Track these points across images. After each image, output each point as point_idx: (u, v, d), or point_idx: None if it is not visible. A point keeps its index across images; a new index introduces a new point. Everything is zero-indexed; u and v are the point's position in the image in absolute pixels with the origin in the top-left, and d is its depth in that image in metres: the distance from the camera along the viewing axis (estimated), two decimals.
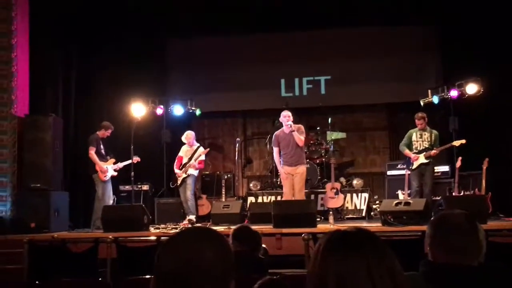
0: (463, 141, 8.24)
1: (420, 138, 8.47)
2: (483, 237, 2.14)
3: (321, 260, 1.30)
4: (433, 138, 8.41)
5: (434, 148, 8.31)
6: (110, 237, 6.60)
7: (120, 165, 8.97)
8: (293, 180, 8.12)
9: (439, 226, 2.11)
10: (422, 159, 8.30)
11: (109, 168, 8.75)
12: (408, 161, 8.52)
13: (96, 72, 10.18)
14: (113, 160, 8.92)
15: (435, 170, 9.42)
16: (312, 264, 1.32)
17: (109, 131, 8.93)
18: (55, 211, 7.97)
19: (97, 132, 8.83)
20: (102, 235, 7.03)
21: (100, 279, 5.65)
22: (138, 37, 10.47)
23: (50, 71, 9.26)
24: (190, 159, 9.13)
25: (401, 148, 8.66)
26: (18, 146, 8.28)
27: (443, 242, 2.06)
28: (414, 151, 8.43)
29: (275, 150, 8.32)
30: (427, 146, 8.37)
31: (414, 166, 8.37)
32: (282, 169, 8.22)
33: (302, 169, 8.19)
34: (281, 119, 8.24)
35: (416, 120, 8.48)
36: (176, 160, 9.30)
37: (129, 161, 9.02)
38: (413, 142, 8.50)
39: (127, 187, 9.44)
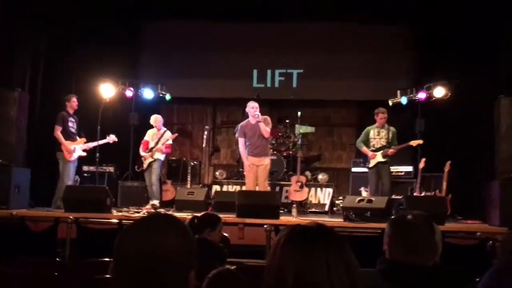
0: (421, 141, 8.33)
1: (377, 135, 8.43)
2: (439, 239, 2.20)
3: (281, 253, 1.32)
4: (390, 136, 8.36)
5: (392, 146, 8.28)
6: (71, 217, 6.53)
7: (91, 144, 8.72)
8: (257, 172, 8.16)
9: (398, 225, 2.16)
10: (379, 157, 8.29)
11: (77, 148, 8.50)
12: (365, 158, 8.54)
13: (66, 49, 9.96)
14: (83, 139, 8.71)
15: (399, 170, 9.60)
16: (271, 257, 1.34)
17: (73, 100, 8.60)
18: (16, 187, 7.81)
19: (65, 110, 8.62)
20: (63, 214, 6.94)
21: (58, 259, 5.57)
22: (112, 17, 10.29)
23: (18, 45, 9.03)
24: (157, 143, 9.06)
25: (358, 145, 8.64)
26: None
27: (400, 241, 2.11)
28: (372, 148, 8.40)
29: (241, 140, 8.33)
30: (384, 144, 8.34)
31: (371, 165, 8.36)
32: (247, 161, 8.23)
33: (266, 160, 8.23)
34: (248, 109, 8.24)
35: (380, 115, 8.36)
36: (141, 144, 9.21)
37: (105, 141, 8.83)
38: (370, 139, 8.46)
39: (92, 168, 9.31)
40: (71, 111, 8.65)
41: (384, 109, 8.51)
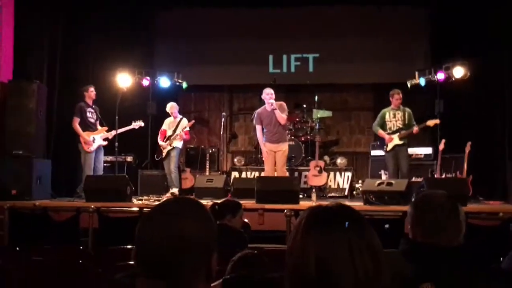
0: (437, 121, 8.17)
1: (393, 117, 8.29)
2: (463, 219, 2.17)
3: (302, 235, 1.30)
4: (406, 117, 8.22)
5: (415, 125, 8.13)
6: (92, 206, 6.60)
7: (113, 132, 8.71)
8: (275, 158, 8.15)
9: (421, 206, 2.14)
10: (396, 140, 8.16)
11: (96, 138, 8.55)
12: (382, 142, 8.45)
13: (82, 40, 10.02)
14: (105, 128, 8.75)
15: (418, 152, 9.50)
16: (293, 239, 1.33)
17: (90, 90, 8.62)
18: (37, 178, 7.92)
19: (83, 101, 8.67)
20: (84, 204, 7.02)
21: (81, 247, 5.65)
22: (127, 7, 10.30)
23: (35, 38, 9.10)
24: (174, 131, 9.09)
25: (375, 129, 8.51)
26: (0, 112, 8.15)
27: (424, 222, 2.09)
28: (388, 131, 8.27)
29: (258, 128, 8.32)
30: (400, 126, 8.20)
31: (389, 148, 8.23)
32: (264, 147, 8.23)
33: (284, 146, 8.22)
34: (264, 96, 8.22)
35: (396, 96, 8.21)
36: (159, 134, 9.25)
37: (130, 127, 8.91)
38: (387, 122, 8.32)
39: (111, 158, 9.37)
40: (89, 102, 8.68)
41: (398, 90, 8.38)
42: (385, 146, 8.33)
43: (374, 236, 1.31)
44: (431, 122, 8.16)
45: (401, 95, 8.26)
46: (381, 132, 8.34)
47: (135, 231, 1.47)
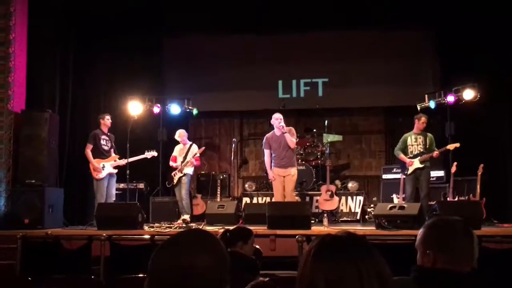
0: (457, 144, 8.21)
1: (415, 142, 8.40)
2: (476, 244, 2.15)
3: (311, 264, 1.31)
4: (428, 142, 8.32)
5: (436, 149, 8.23)
6: (104, 235, 6.59)
7: (123, 161, 8.81)
8: (284, 182, 8.15)
9: (437, 231, 2.12)
10: (417, 163, 8.25)
11: (106, 166, 8.64)
12: (403, 166, 8.48)
13: (93, 69, 10.17)
14: (116, 156, 8.85)
15: (431, 175, 9.44)
16: (302, 268, 1.33)
17: (107, 118, 8.81)
18: (50, 207, 7.95)
19: (99, 128, 8.80)
20: (96, 232, 7.02)
21: (93, 277, 5.63)
22: (137, 35, 10.45)
23: (47, 67, 9.24)
24: (184, 157, 9.13)
25: (396, 153, 8.61)
26: (14, 142, 8.25)
27: (436, 248, 2.07)
28: (409, 155, 8.37)
29: (266, 152, 8.36)
30: (422, 150, 8.29)
31: (409, 171, 8.30)
32: (271, 172, 8.25)
33: (293, 171, 8.22)
34: (273, 121, 8.28)
35: (422, 120, 8.29)
36: (170, 161, 9.30)
37: (143, 156, 8.98)
38: (408, 146, 8.43)
39: (122, 185, 9.41)
40: (105, 129, 8.81)
41: (425, 115, 8.43)
42: (406, 170, 8.33)
43: (383, 264, 1.31)
44: (451, 146, 8.22)
45: (426, 119, 8.32)
46: (402, 156, 8.40)
47: (148, 262, 1.48)
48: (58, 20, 9.37)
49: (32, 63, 8.77)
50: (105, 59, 10.19)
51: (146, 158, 9.07)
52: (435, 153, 8.18)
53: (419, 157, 8.25)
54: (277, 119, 8.19)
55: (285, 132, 8.07)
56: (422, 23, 10.40)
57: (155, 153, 9.11)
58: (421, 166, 8.23)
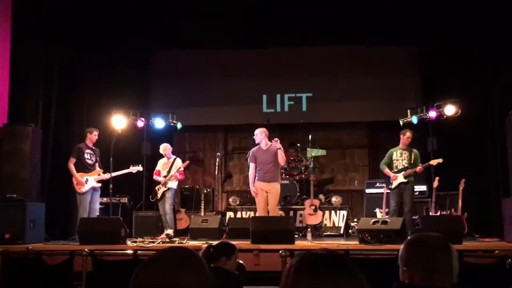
0: (440, 160, 8.32)
1: (400, 157, 8.51)
2: (456, 259, 2.18)
3: (292, 281, 1.32)
4: (413, 157, 8.43)
5: (419, 164, 8.33)
6: (86, 250, 6.53)
7: (106, 175, 8.73)
8: (267, 198, 8.16)
9: (413, 248, 2.14)
10: (401, 178, 8.33)
11: (89, 180, 8.57)
12: (387, 180, 8.56)
13: (77, 82, 10.12)
14: (100, 170, 8.80)
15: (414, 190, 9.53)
16: (283, 285, 1.34)
17: (95, 133, 8.77)
18: (31, 222, 7.86)
19: (84, 142, 8.75)
20: (78, 247, 6.95)
21: None
22: (121, 49, 10.44)
23: (30, 81, 9.18)
24: (168, 172, 9.11)
25: (382, 167, 8.69)
26: None
27: (416, 264, 2.09)
28: (394, 170, 8.46)
29: (252, 166, 8.40)
30: (406, 165, 8.40)
31: (393, 186, 8.39)
32: (253, 186, 8.30)
33: (276, 185, 8.25)
34: (255, 137, 8.32)
35: (407, 135, 8.44)
36: (154, 175, 9.27)
37: (128, 170, 8.91)
38: (393, 161, 8.53)
39: (106, 199, 9.34)
40: (89, 144, 8.76)
41: (410, 131, 8.56)
42: (390, 184, 8.41)
43: (363, 282, 1.32)
44: (434, 162, 8.33)
45: (411, 134, 8.43)
46: (387, 171, 8.51)
47: (130, 279, 1.48)
48: (43, 33, 9.33)
49: (15, 76, 8.70)
50: (90, 72, 10.15)
51: (130, 173, 9.01)
52: (418, 168, 8.28)
53: (403, 172, 8.33)
54: (256, 134, 8.36)
55: (280, 148, 8.14)
56: (405, 39, 10.53)
57: (140, 168, 9.07)
58: (405, 180, 8.32)
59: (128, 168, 8.96)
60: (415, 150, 8.54)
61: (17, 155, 8.12)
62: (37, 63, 9.28)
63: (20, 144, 8.17)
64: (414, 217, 8.33)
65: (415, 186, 8.87)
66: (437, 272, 2.07)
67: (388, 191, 8.51)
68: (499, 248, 6.41)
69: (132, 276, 1.48)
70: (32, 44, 9.08)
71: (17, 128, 8.28)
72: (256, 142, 8.37)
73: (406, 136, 8.48)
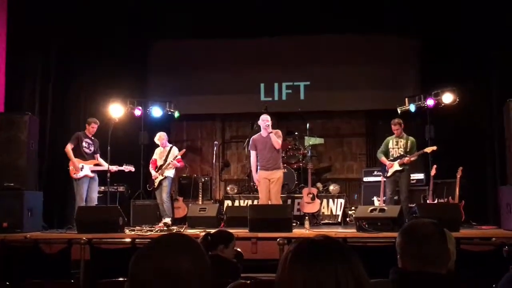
0: (434, 147, 8.32)
1: (396, 145, 8.51)
2: (453, 245, 2.19)
3: (289, 268, 1.32)
4: (409, 145, 8.41)
5: (408, 155, 8.33)
6: (84, 238, 6.53)
7: (101, 168, 8.72)
8: (269, 185, 8.14)
9: (408, 235, 2.15)
10: (396, 166, 8.34)
11: (85, 167, 8.57)
12: (383, 168, 8.57)
13: (75, 71, 10.06)
14: (95, 161, 8.77)
15: (411, 178, 9.53)
16: (280, 272, 1.34)
17: (93, 125, 8.75)
18: (29, 211, 7.84)
19: (83, 131, 8.76)
20: (76, 236, 6.95)
21: (72, 281, 5.58)
22: (119, 37, 10.39)
23: (27, 69, 9.13)
24: (165, 160, 9.11)
25: (378, 156, 8.71)
26: None
27: (412, 251, 2.10)
28: (390, 158, 8.47)
29: (252, 153, 8.34)
30: (402, 153, 8.39)
31: (389, 174, 8.40)
32: (257, 175, 8.23)
33: (279, 173, 8.20)
34: (260, 122, 8.26)
35: (392, 126, 8.51)
36: (150, 164, 9.27)
37: (120, 168, 8.87)
38: (390, 149, 8.53)
39: (103, 188, 9.33)
40: (88, 134, 8.76)
41: (398, 120, 8.54)
42: (386, 172, 8.42)
43: (361, 268, 1.32)
44: (428, 149, 8.32)
45: (398, 126, 8.44)
46: (383, 159, 8.53)
47: (129, 266, 1.47)
48: (40, 22, 9.26)
49: (12, 65, 8.66)
50: (87, 61, 10.09)
51: (130, 171, 9.02)
52: (406, 159, 8.24)
53: (398, 160, 8.33)
54: (264, 120, 8.19)
55: (271, 132, 8.08)
56: (403, 28, 10.51)
57: (132, 168, 9.03)
58: (400, 168, 8.32)
59: (121, 165, 8.92)
60: (411, 138, 8.52)
61: (14, 143, 8.08)
62: (34, 51, 9.22)
63: (17, 132, 8.13)
64: (411, 205, 8.35)
65: (412, 174, 8.88)
66: (430, 259, 2.07)
67: (385, 179, 8.53)
68: (496, 236, 6.44)
69: (130, 262, 1.47)
70: (28, 32, 9.01)
71: (14, 117, 8.24)
72: (267, 129, 8.18)
73: (393, 128, 8.49)
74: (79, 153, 8.57)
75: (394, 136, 8.56)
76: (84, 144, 8.66)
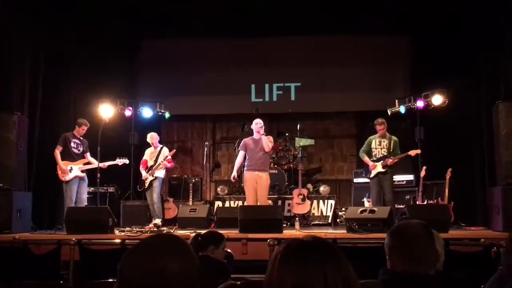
0: (418, 151, 8.35)
1: (379, 145, 8.44)
2: (441, 246, 2.20)
3: (278, 269, 1.32)
4: (392, 145, 8.35)
5: (391, 157, 8.26)
6: (73, 239, 6.51)
7: (91, 166, 8.73)
8: (257, 187, 8.18)
9: (397, 236, 2.16)
10: (379, 168, 8.28)
11: (74, 168, 8.54)
12: (366, 169, 8.53)
13: (64, 71, 10.01)
14: (84, 160, 8.76)
15: (400, 179, 9.58)
16: (270, 273, 1.34)
17: (83, 127, 8.75)
18: (18, 211, 7.79)
19: (71, 132, 8.74)
20: (65, 237, 6.92)
21: (62, 282, 5.56)
22: (109, 37, 10.34)
23: (16, 68, 9.05)
24: (155, 161, 9.09)
25: (361, 155, 8.64)
26: None
27: (400, 252, 2.11)
28: (373, 158, 8.40)
29: (241, 153, 8.42)
30: (385, 153, 8.34)
31: (372, 175, 8.34)
32: (236, 173, 8.45)
33: (265, 175, 8.26)
34: (253, 125, 8.35)
35: (377, 126, 8.45)
36: (141, 164, 9.25)
37: (113, 162, 8.88)
38: (372, 149, 8.46)
39: (93, 189, 9.29)
40: (77, 134, 8.74)
41: (382, 119, 8.52)
42: (368, 173, 8.40)
43: (349, 268, 1.33)
44: (412, 152, 8.33)
45: (382, 126, 8.40)
46: (366, 159, 8.47)
47: (118, 267, 1.47)
48: (29, 21, 9.19)
49: (0, 64, 8.59)
50: (77, 61, 10.05)
51: (125, 164, 9.01)
52: (389, 161, 8.21)
53: (381, 162, 8.31)
54: (257, 123, 8.32)
55: (263, 134, 8.15)
56: (393, 29, 10.55)
57: (126, 161, 9.04)
58: (383, 170, 8.27)
59: (114, 160, 8.92)
60: (394, 138, 8.47)
61: (2, 143, 8.02)
62: (23, 50, 9.15)
63: (6, 132, 8.07)
64: (398, 206, 8.36)
65: (402, 175, 8.90)
66: (417, 259, 2.08)
67: (369, 180, 8.50)
68: (485, 237, 6.48)
69: (119, 262, 1.47)
70: (17, 31, 8.95)
71: (3, 117, 8.17)
72: (260, 132, 8.29)
73: (376, 128, 8.46)
74: (68, 154, 8.55)
75: (377, 136, 8.52)
76: (72, 144, 8.65)
